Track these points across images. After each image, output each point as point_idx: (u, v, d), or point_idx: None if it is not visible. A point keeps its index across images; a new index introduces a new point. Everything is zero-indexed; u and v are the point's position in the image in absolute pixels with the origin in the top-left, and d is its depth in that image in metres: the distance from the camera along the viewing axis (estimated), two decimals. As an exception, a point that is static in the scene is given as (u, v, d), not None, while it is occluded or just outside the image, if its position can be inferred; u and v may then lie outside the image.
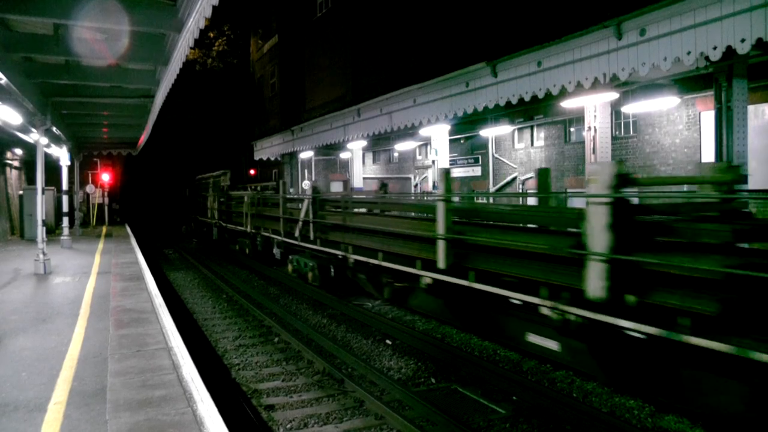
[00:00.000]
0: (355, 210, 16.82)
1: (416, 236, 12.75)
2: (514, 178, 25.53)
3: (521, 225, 11.09)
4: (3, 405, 6.40)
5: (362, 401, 9.26)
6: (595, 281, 7.94)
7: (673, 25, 10.80)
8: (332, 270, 16.89)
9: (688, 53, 10.54)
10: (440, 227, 11.47)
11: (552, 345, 9.91)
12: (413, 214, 15.25)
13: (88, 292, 13.34)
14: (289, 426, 8.38)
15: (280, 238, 20.95)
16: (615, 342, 8.30)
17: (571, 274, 8.47)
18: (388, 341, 12.74)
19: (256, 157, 41.37)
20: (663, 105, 17.41)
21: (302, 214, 18.68)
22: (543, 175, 9.12)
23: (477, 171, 27.80)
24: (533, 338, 10.31)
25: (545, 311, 8.95)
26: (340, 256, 16.28)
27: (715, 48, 10.07)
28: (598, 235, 7.96)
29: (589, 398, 9.22)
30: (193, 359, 7.90)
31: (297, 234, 19.02)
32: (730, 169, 8.20)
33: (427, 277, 12.02)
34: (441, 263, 11.47)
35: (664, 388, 8.40)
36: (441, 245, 11.43)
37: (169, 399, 6.43)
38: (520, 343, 11.08)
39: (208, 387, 6.79)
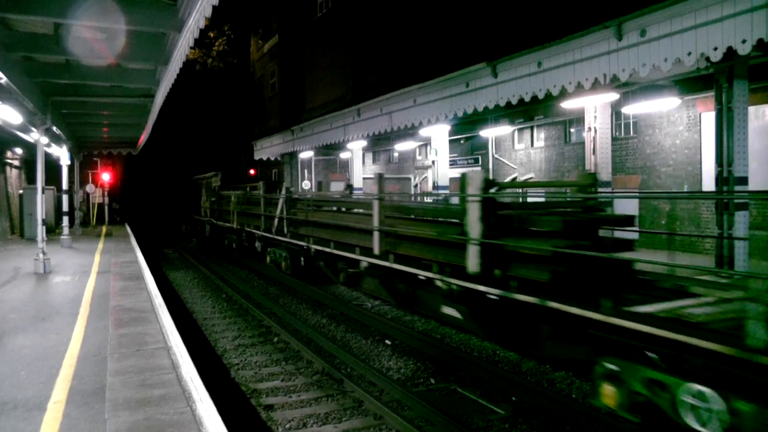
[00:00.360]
0: (325, 207, 19.05)
1: (358, 228, 15.14)
2: (514, 179, 25.52)
3: (430, 218, 12.90)
4: (2, 404, 6.39)
5: (361, 401, 9.25)
6: (472, 260, 10.14)
7: (673, 26, 10.79)
8: (302, 259, 19.41)
9: (689, 54, 10.54)
10: (375, 221, 13.90)
11: (457, 314, 11.71)
12: (361, 210, 17.05)
13: (88, 291, 13.34)
14: (288, 426, 8.37)
15: (260, 233, 23.33)
16: (485, 305, 10.60)
17: (458, 254, 10.58)
18: (387, 341, 12.74)
19: (256, 157, 41.36)
20: (663, 106, 17.41)
21: (277, 212, 21.37)
22: (462, 178, 10.69)
23: (476, 171, 27.82)
24: (446, 309, 12.18)
25: (438, 284, 11.26)
26: (305, 247, 18.40)
27: (715, 49, 10.06)
28: (473, 225, 10.18)
29: (588, 399, 9.22)
30: (193, 359, 7.89)
31: (273, 229, 21.55)
32: (588, 176, 10.48)
33: (364, 261, 14.47)
34: (376, 250, 13.88)
35: (518, 338, 11.09)
36: (376, 235, 13.86)
37: (168, 398, 6.43)
38: (438, 314, 12.98)
39: (207, 386, 6.78)
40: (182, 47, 11.35)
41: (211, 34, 51.29)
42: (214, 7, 8.75)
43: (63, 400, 6.44)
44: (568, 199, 11.97)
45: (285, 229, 20.42)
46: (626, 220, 10.62)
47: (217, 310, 16.61)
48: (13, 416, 6.06)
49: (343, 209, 18.13)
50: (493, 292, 9.76)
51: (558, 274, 8.72)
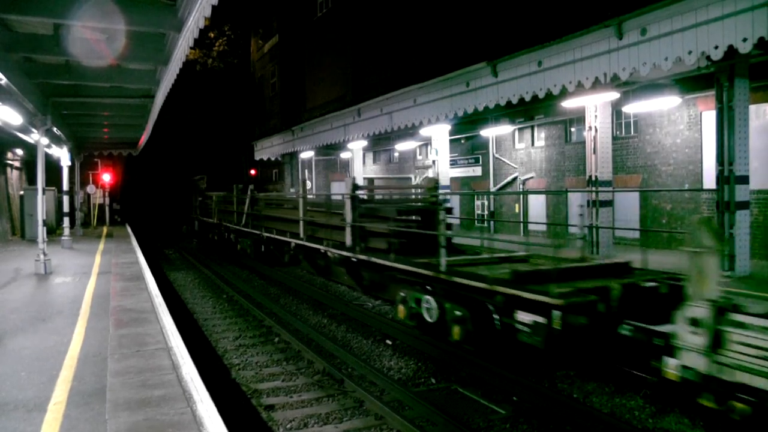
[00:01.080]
0: (273, 204, 25.08)
1: (291, 219, 20.79)
2: (515, 178, 25.51)
3: (332, 210, 18.14)
4: (2, 404, 6.39)
5: (362, 401, 9.24)
6: (347, 237, 16.06)
7: (674, 25, 10.79)
8: (262, 246, 24.57)
9: (690, 53, 10.54)
10: (300, 214, 19.53)
11: (344, 274, 18.15)
12: (291, 206, 22.53)
13: (89, 292, 13.34)
14: (288, 426, 8.36)
15: (233, 226, 28.36)
16: (354, 265, 16.44)
17: (340, 234, 16.64)
18: (388, 341, 12.73)
19: (257, 157, 41.38)
20: (664, 105, 17.39)
21: (245, 209, 26.24)
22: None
23: (477, 171, 27.76)
24: (337, 270, 18.93)
25: (329, 254, 17.24)
26: (261, 235, 23.66)
27: (716, 47, 10.06)
28: (347, 213, 15.90)
29: (589, 398, 9.21)
30: (193, 359, 7.88)
31: (242, 223, 26.62)
32: (432, 180, 17.45)
33: (293, 242, 20.27)
34: (301, 234, 19.45)
35: (372, 285, 17.18)
36: (301, 224, 19.53)
37: (168, 399, 6.42)
38: (341, 280, 19.44)
39: (208, 387, 6.77)
40: (182, 47, 11.35)
41: (212, 35, 51.29)
42: (213, 7, 8.74)
43: (63, 400, 6.44)
44: (412, 196, 18.66)
45: (249, 223, 25.67)
46: (448, 210, 14.46)
47: (217, 311, 16.60)
48: (13, 417, 6.05)
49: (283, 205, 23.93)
50: (358, 256, 15.47)
51: (391, 244, 13.92)
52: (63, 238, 23.38)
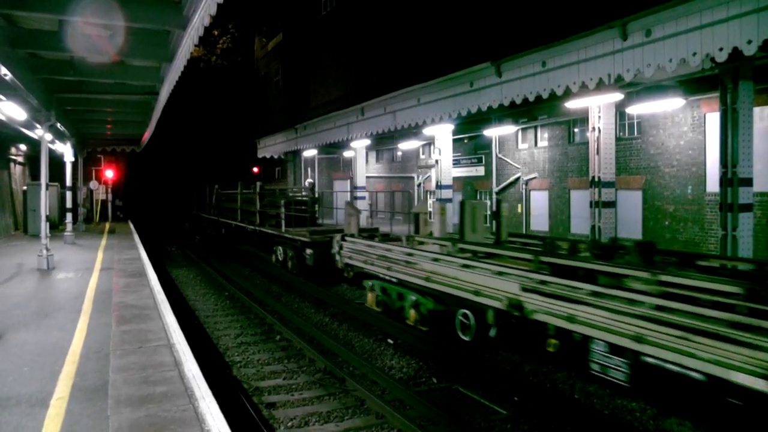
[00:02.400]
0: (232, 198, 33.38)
1: (233, 209, 31.27)
2: (518, 179, 25.50)
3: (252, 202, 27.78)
4: (5, 399, 6.40)
5: (363, 400, 9.25)
6: (257, 218, 26.57)
7: (679, 26, 10.76)
8: (223, 230, 34.41)
9: (694, 54, 10.51)
10: (238, 204, 29.94)
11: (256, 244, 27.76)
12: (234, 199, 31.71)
13: (91, 287, 13.35)
14: (290, 424, 8.38)
15: (206, 216, 38.76)
16: (261, 236, 26.54)
17: (254, 218, 27.16)
18: (389, 340, 12.75)
19: (260, 155, 41.34)
20: (668, 106, 17.35)
21: (213, 201, 36.74)
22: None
23: (480, 171, 27.75)
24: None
25: (248, 229, 27.98)
26: (229, 224, 32.41)
27: (721, 49, 10.03)
28: (257, 204, 26.31)
29: (590, 399, 9.22)
30: (195, 356, 7.89)
31: (210, 213, 37.43)
32: (311, 184, 31.78)
33: (232, 223, 30.43)
34: (258, 221, 26.81)
35: (264, 248, 26.92)
36: (239, 213, 29.48)
37: (170, 395, 6.43)
38: (249, 244, 29.96)
39: (210, 384, 6.78)
40: (186, 45, 11.34)
41: (216, 33, 51.33)
42: (219, 5, 8.74)
43: (66, 396, 6.45)
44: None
45: (214, 213, 36.26)
46: (315, 202, 26.44)
47: (219, 308, 16.62)
48: (16, 412, 6.06)
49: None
50: (264, 231, 25.47)
51: (278, 221, 23.93)
52: (66, 233, 23.41)
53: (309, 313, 15.72)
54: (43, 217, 16.98)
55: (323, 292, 17.63)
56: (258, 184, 28.10)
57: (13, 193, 29.19)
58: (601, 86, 13.49)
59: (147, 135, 29.09)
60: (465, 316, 12.00)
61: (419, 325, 13.26)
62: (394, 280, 14.38)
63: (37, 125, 17.21)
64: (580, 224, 22.05)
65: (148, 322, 9.96)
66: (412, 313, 13.45)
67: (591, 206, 17.59)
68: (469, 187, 28.72)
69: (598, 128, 17.10)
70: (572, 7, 15.28)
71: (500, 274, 10.58)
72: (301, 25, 37.47)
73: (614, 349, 8.47)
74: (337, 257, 17.71)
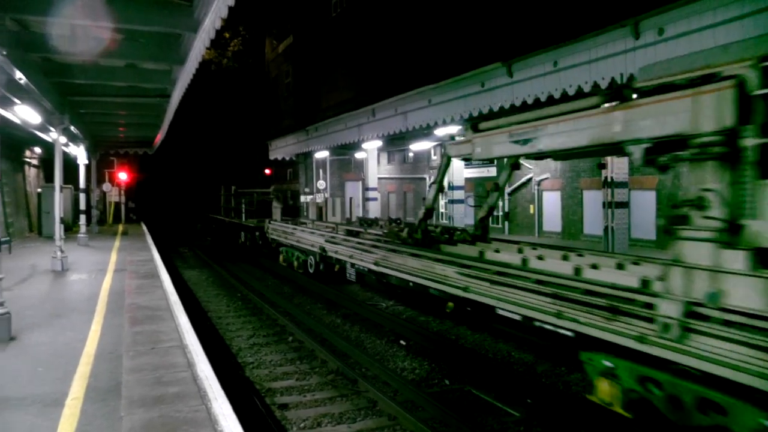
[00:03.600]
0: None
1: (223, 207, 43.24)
2: (530, 179, 25.44)
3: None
4: (20, 399, 6.45)
5: (375, 401, 9.24)
6: (231, 213, 40.10)
7: (691, 25, 10.70)
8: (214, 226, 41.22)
9: (707, 53, 10.44)
10: (221, 202, 41.35)
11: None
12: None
13: (104, 289, 13.43)
14: (302, 425, 8.39)
15: (216, 217, 43.05)
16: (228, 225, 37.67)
17: (231, 213, 40.68)
18: (402, 342, 12.73)
19: (271, 157, 41.46)
20: (680, 106, 17.27)
21: (222, 203, 43.87)
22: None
23: (492, 171, 27.74)
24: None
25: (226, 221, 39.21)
26: (225, 221, 38.87)
27: (735, 47, 9.97)
28: (231, 200, 41.24)
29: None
30: (207, 357, 7.92)
31: (220, 213, 42.68)
32: (277, 187, 40.71)
33: (227, 220, 38.86)
34: (233, 215, 35.52)
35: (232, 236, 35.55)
36: (222, 210, 41.53)
37: (183, 396, 6.45)
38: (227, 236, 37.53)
39: (222, 385, 6.80)
40: (198, 48, 11.39)
41: (227, 35, 51.49)
42: (229, 8, 8.77)
43: (80, 396, 6.49)
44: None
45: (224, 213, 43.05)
46: (279, 199, 38.37)
47: (231, 309, 16.67)
48: (31, 412, 6.11)
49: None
50: (234, 221, 36.25)
51: (246, 213, 36.39)
52: (79, 235, 23.55)
53: (321, 314, 15.74)
54: (57, 219, 17.09)
55: (335, 293, 17.64)
56: (233, 187, 37.82)
57: (27, 195, 29.40)
58: (613, 85, 13.43)
59: (159, 137, 29.24)
60: (311, 260, 20.60)
61: (299, 269, 22.04)
62: (288, 244, 23.20)
63: (51, 128, 17.33)
64: (593, 225, 21.97)
65: (160, 323, 10.00)
66: (295, 263, 22.41)
67: (604, 206, 17.53)
68: (480, 187, 28.69)
69: (611, 128, 17.02)
70: (584, 7, 15.22)
71: (314, 233, 20.67)
72: (311, 26, 37.53)
73: (351, 265, 16.54)
74: (267, 234, 26.60)
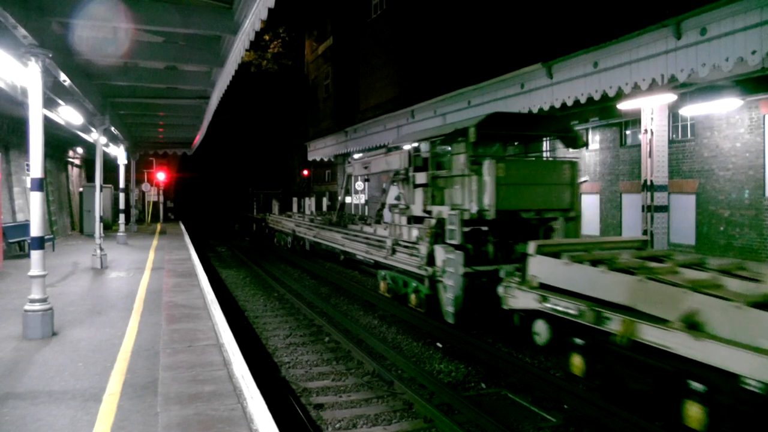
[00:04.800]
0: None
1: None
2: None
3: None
4: (62, 392, 6.57)
5: (411, 404, 9.19)
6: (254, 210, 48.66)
7: (736, 24, 10.47)
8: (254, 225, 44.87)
9: (753, 53, 10.21)
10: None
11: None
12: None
13: (142, 287, 13.60)
14: (337, 426, 8.38)
15: (252, 216, 46.70)
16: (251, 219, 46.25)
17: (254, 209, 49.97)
18: (438, 344, 12.65)
19: (310, 158, 41.68)
20: (723, 107, 16.89)
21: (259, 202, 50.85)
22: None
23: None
24: (253, 227, 43.44)
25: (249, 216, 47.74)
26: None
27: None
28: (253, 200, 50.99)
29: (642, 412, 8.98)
30: (244, 356, 7.95)
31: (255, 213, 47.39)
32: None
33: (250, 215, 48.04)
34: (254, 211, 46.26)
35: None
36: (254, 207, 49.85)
37: (218, 394, 6.49)
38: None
39: (258, 384, 6.82)
40: (237, 49, 11.48)
41: (267, 37, 51.86)
42: (269, 9, 8.81)
43: (117, 392, 6.57)
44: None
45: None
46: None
47: (268, 309, 16.75)
48: (72, 405, 6.20)
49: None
50: (250, 216, 46.48)
51: (258, 207, 48.04)
52: (118, 234, 23.94)
53: (358, 315, 15.73)
54: (98, 218, 17.40)
55: (372, 295, 17.62)
56: (249, 188, 44.55)
57: (70, 194, 29.99)
58: (653, 87, 13.24)
59: (198, 138, 29.58)
60: (289, 239, 29.86)
61: (285, 246, 30.60)
62: (278, 230, 31.76)
63: (93, 129, 17.66)
64: (631, 229, 21.64)
65: (197, 322, 10.09)
66: (281, 242, 30.35)
67: (643, 210, 17.26)
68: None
69: (651, 130, 16.79)
70: (624, 7, 15.01)
71: (290, 221, 30.17)
72: (351, 28, 37.66)
73: (306, 240, 27.03)
74: (268, 224, 36.05)
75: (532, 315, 10.31)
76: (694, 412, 7.22)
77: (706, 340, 6.79)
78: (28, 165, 12.56)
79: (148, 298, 12.30)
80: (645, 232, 17.18)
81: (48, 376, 7.17)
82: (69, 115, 16.13)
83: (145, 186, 39.32)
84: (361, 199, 39.21)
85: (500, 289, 11.05)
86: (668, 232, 18.01)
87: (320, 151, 39.16)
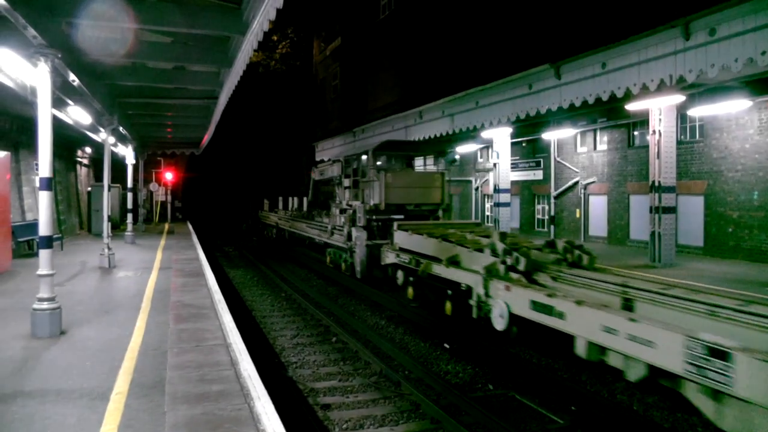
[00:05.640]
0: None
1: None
2: (576, 183, 25.10)
3: None
4: (70, 391, 6.57)
5: (418, 404, 9.19)
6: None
7: (746, 24, 10.42)
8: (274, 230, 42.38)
9: (763, 53, 10.16)
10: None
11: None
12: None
13: (150, 286, 13.63)
14: (344, 426, 8.38)
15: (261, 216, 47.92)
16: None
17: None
18: (446, 345, 12.64)
19: (318, 158, 41.71)
20: (732, 108, 16.85)
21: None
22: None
23: (539, 174, 27.42)
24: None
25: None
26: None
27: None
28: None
29: (650, 412, 8.95)
30: (251, 356, 7.96)
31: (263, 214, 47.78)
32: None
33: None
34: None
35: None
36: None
37: (226, 394, 6.49)
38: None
39: (265, 384, 6.82)
40: (246, 50, 11.49)
41: (275, 38, 51.93)
42: (278, 10, 8.82)
43: (125, 391, 6.58)
44: None
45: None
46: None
47: (276, 309, 16.78)
48: (79, 404, 6.21)
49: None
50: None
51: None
52: (126, 233, 23.99)
53: (365, 315, 15.73)
54: (106, 218, 17.45)
55: (380, 296, 17.62)
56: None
57: (79, 193, 30.10)
58: (662, 88, 13.20)
59: (206, 138, 29.63)
60: (274, 231, 35.90)
61: (272, 237, 34.80)
62: (267, 224, 35.85)
63: (101, 128, 17.71)
64: (639, 230, 21.58)
65: (204, 321, 10.10)
66: (269, 234, 35.29)
67: (651, 211, 17.21)
68: (527, 191, 28.43)
69: (659, 131, 16.73)
70: (633, 7, 14.97)
71: (275, 214, 37.44)
72: (359, 29, 37.67)
73: (285, 231, 33.78)
74: (261, 219, 41.04)
75: (395, 267, 16.57)
76: (447, 306, 13.64)
77: (454, 269, 12.89)
78: (37, 164, 12.58)
79: (155, 297, 12.32)
80: (652, 234, 17.12)
81: (56, 375, 7.19)
82: (77, 115, 16.18)
83: (153, 186, 39.39)
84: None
85: (382, 253, 17.41)
86: (676, 233, 17.94)
87: (328, 151, 39.18)
